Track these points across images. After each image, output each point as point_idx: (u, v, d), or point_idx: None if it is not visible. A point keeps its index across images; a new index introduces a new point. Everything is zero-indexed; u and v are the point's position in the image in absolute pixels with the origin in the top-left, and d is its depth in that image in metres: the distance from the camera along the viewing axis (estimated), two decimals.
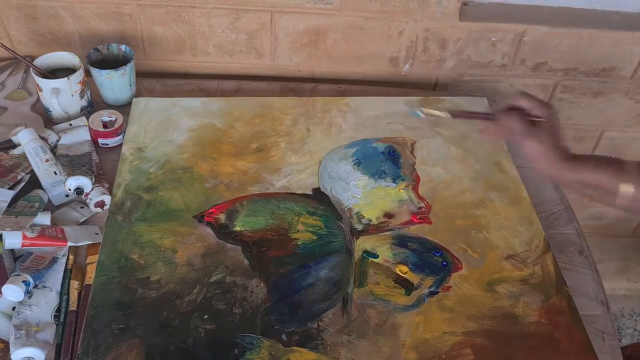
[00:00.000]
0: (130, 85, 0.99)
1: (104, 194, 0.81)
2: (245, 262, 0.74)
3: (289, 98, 1.00)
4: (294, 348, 0.66)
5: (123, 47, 0.99)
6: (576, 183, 0.68)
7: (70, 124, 0.93)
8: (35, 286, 0.71)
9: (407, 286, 0.73)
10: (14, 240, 0.73)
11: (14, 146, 0.87)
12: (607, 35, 1.07)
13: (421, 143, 0.93)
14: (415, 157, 0.90)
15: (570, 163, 0.67)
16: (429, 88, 1.16)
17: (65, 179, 0.81)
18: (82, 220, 0.81)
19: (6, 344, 0.66)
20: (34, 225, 0.75)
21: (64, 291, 0.72)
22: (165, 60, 1.11)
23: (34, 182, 0.82)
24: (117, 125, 0.91)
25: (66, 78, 0.90)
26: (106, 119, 0.92)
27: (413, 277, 0.74)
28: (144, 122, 0.93)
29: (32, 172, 0.83)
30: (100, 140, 0.91)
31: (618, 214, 1.43)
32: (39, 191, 0.81)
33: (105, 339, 0.65)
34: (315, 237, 0.77)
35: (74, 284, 0.72)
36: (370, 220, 0.80)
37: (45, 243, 0.74)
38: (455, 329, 0.69)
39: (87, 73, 0.96)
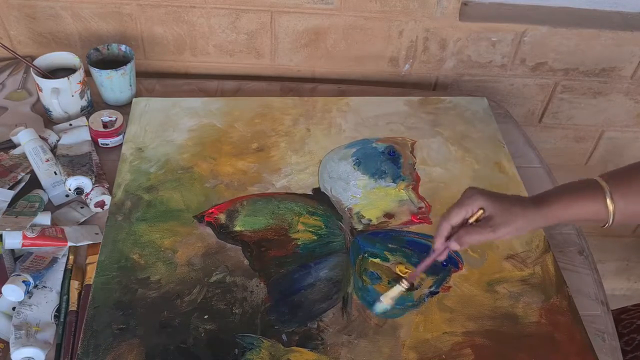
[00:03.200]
0: (130, 85, 0.99)
1: (104, 194, 0.81)
2: (245, 262, 0.74)
3: (289, 98, 1.00)
4: (294, 348, 0.66)
5: (123, 47, 0.99)
6: (564, 222, 0.64)
7: (70, 124, 0.93)
8: (35, 286, 0.71)
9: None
10: (14, 240, 0.73)
11: (14, 146, 0.87)
12: (607, 35, 1.07)
13: (421, 143, 0.93)
14: (415, 157, 0.90)
15: (542, 210, 0.62)
16: (429, 88, 1.16)
17: (65, 179, 0.81)
18: (82, 220, 0.81)
19: (6, 344, 0.66)
20: (34, 225, 0.75)
21: (64, 291, 0.72)
22: (165, 60, 1.11)
23: (34, 182, 0.82)
24: (117, 125, 0.91)
25: (66, 78, 0.90)
26: (106, 119, 0.92)
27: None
28: (144, 122, 0.93)
29: (32, 172, 0.83)
30: (100, 140, 0.91)
31: None
32: (39, 191, 0.81)
33: (105, 339, 0.65)
34: (315, 237, 0.77)
35: (74, 284, 0.72)
36: (370, 220, 0.80)
37: (45, 243, 0.74)
38: (455, 329, 0.69)
39: (87, 73, 0.96)
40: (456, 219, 0.64)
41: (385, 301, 0.68)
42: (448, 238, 0.64)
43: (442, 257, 0.66)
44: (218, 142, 0.91)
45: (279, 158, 0.88)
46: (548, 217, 0.63)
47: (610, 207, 0.61)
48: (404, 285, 0.67)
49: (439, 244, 0.65)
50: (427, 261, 0.66)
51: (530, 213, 0.63)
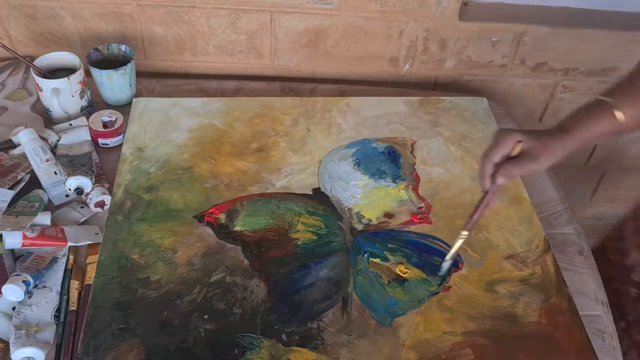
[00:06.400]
0: (130, 85, 0.99)
1: (104, 194, 0.82)
2: (245, 262, 0.74)
3: (289, 98, 1.00)
4: (294, 348, 0.66)
5: (123, 47, 0.99)
6: (588, 142, 0.69)
7: (70, 124, 0.93)
8: (35, 286, 0.71)
9: None
10: (14, 240, 0.73)
11: (14, 146, 0.87)
12: (607, 35, 1.07)
13: (421, 143, 0.93)
14: (415, 157, 0.90)
15: (570, 135, 0.67)
16: (429, 88, 1.16)
17: (65, 179, 0.81)
18: (82, 220, 0.81)
19: (6, 344, 0.66)
20: (34, 225, 0.75)
21: (64, 291, 0.72)
22: (165, 60, 1.11)
23: (34, 182, 0.82)
24: (117, 125, 0.91)
25: (66, 78, 0.90)
26: (106, 119, 0.92)
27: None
28: (144, 122, 0.93)
29: (32, 172, 0.83)
30: (100, 140, 0.91)
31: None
32: (39, 191, 0.81)
33: (105, 339, 0.65)
34: (315, 237, 0.77)
35: (74, 284, 0.72)
36: (370, 220, 0.80)
37: (45, 243, 0.74)
38: (455, 329, 0.69)
39: (87, 73, 0.96)
40: (497, 156, 0.67)
41: (449, 257, 0.72)
42: (492, 177, 0.68)
43: (492, 200, 0.70)
44: (218, 142, 0.91)
45: (279, 158, 0.88)
46: (576, 140, 0.67)
47: (621, 118, 0.65)
48: (463, 235, 0.70)
49: (487, 183, 0.68)
50: (481, 206, 0.70)
51: (562, 140, 0.67)
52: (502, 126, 0.98)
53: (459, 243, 0.72)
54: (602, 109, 0.67)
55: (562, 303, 0.72)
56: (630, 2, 1.09)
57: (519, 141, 0.67)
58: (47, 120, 0.96)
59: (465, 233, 0.71)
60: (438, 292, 0.72)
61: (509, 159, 0.68)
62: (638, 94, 0.67)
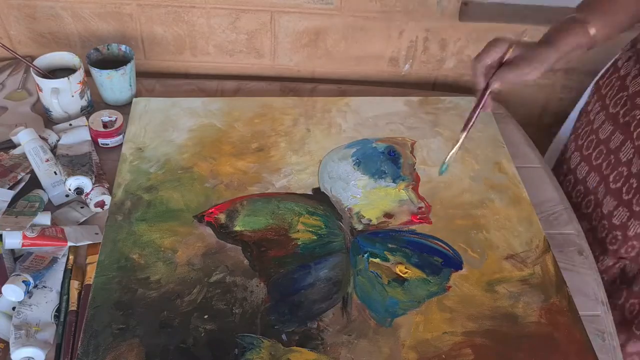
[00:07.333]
0: (130, 85, 0.99)
1: (104, 194, 0.82)
2: (245, 262, 0.74)
3: (289, 98, 1.00)
4: (294, 348, 0.66)
5: (123, 47, 0.99)
6: (565, 54, 0.72)
7: (70, 124, 0.93)
8: (35, 286, 0.71)
9: None
10: (14, 240, 0.73)
11: (14, 146, 0.87)
12: None
13: (421, 143, 0.93)
14: (415, 157, 0.90)
15: (553, 47, 0.70)
16: (429, 88, 1.16)
17: (65, 179, 0.81)
18: (82, 220, 0.81)
19: (6, 344, 0.66)
20: (34, 225, 0.75)
21: (64, 291, 0.72)
22: (165, 60, 1.11)
23: (34, 182, 0.82)
24: (117, 125, 0.91)
25: (66, 78, 0.90)
26: (106, 119, 0.92)
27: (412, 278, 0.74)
28: (144, 122, 0.93)
29: (32, 172, 0.83)
30: (100, 140, 0.91)
31: None
32: (39, 191, 0.81)
33: (105, 339, 0.65)
34: (315, 237, 0.77)
35: (74, 284, 0.72)
36: (370, 220, 0.80)
37: (45, 243, 0.74)
38: (455, 329, 0.69)
39: (87, 73, 0.96)
40: (489, 58, 0.70)
41: (448, 159, 0.77)
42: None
43: (488, 105, 0.74)
44: (218, 142, 0.91)
45: (279, 158, 0.88)
46: (558, 51, 0.71)
47: (592, 31, 0.71)
48: (462, 135, 0.74)
49: (481, 82, 0.71)
50: (477, 107, 0.73)
51: (548, 51, 0.71)
52: (502, 127, 0.98)
53: (458, 145, 0.75)
54: (575, 24, 0.72)
55: (562, 303, 0.72)
56: None
57: (512, 45, 0.70)
58: (47, 120, 0.96)
59: (463, 135, 0.74)
60: (439, 293, 0.72)
61: (501, 64, 0.71)
62: (604, 10, 0.72)
